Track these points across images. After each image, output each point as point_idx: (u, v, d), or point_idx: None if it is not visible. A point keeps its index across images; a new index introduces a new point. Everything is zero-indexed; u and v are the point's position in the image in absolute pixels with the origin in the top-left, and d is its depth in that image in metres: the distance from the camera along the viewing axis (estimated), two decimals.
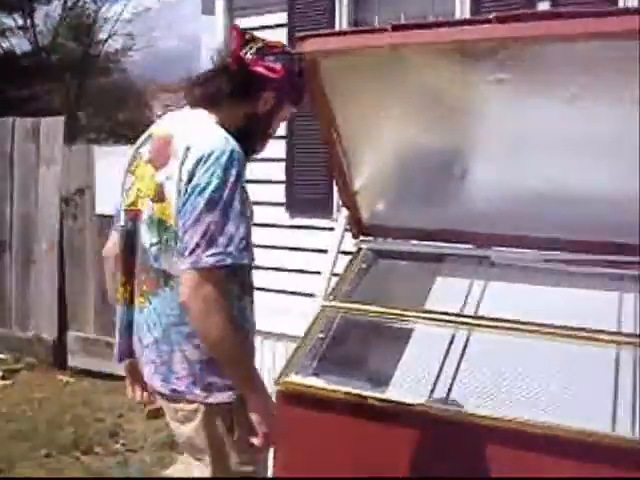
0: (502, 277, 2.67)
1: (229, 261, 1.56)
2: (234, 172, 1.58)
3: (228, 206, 1.56)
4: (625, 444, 1.90)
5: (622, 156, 2.46)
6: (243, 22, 3.99)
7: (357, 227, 3.03)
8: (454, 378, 2.24)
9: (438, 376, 2.26)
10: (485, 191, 2.75)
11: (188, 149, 1.63)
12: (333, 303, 2.67)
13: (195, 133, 1.68)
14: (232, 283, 1.69)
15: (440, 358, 2.34)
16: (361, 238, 3.04)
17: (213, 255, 1.55)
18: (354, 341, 2.53)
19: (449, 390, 2.20)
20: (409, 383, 2.26)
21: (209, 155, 1.59)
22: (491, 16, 2.15)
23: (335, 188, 3.78)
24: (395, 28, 2.30)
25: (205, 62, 4.39)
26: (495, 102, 2.46)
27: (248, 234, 1.60)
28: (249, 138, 1.81)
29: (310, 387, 2.28)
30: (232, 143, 1.64)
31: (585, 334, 2.27)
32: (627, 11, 2.02)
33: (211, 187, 1.56)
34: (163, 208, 1.66)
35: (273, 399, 1.80)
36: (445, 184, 2.84)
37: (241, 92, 1.76)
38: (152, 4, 19.59)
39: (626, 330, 2.31)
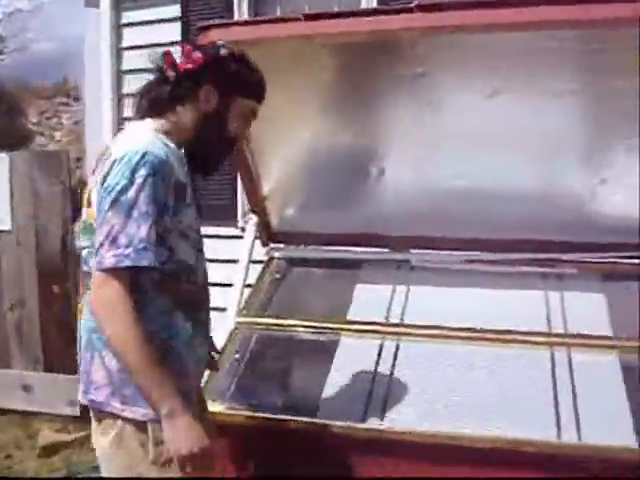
0: (424, 281, 2.54)
1: (127, 263, 1.48)
2: (143, 172, 1.51)
3: (132, 206, 1.49)
4: (574, 451, 1.82)
5: (541, 152, 2.41)
6: (133, 16, 3.68)
7: (267, 234, 2.82)
8: (387, 393, 2.07)
9: (370, 392, 2.08)
10: (401, 191, 2.62)
11: (110, 155, 1.60)
12: (247, 319, 2.44)
13: (125, 141, 1.62)
14: (160, 293, 1.57)
15: (370, 372, 2.16)
16: (271, 246, 2.83)
17: (114, 256, 1.48)
18: (274, 360, 2.31)
19: (384, 407, 2.03)
20: (340, 403, 2.06)
21: (122, 157, 1.54)
22: (412, 4, 2.02)
23: (240, 193, 3.60)
24: (308, 17, 2.11)
25: (90, 62, 4.04)
26: (414, 97, 2.32)
27: (150, 235, 1.49)
28: (207, 144, 1.68)
29: (231, 416, 2.05)
30: (151, 145, 1.55)
31: (518, 337, 2.19)
32: (551, 0, 1.94)
33: (118, 187, 1.51)
34: (91, 212, 1.62)
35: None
36: (360, 185, 2.69)
37: (178, 95, 1.66)
38: (24, 5, 18.29)
39: (556, 330, 2.26)
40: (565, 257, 2.52)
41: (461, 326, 2.26)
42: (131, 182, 1.49)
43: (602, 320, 2.27)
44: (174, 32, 3.77)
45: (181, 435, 1.50)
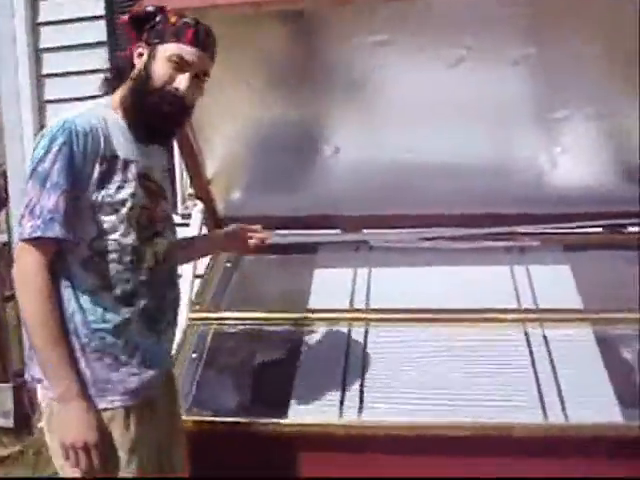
0: (385, 262, 2.43)
1: (37, 233, 1.44)
2: (60, 141, 1.46)
3: (46, 176, 1.46)
4: (563, 432, 1.76)
5: (499, 123, 2.32)
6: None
7: (213, 221, 2.62)
8: (362, 385, 1.95)
9: (343, 385, 1.95)
10: (354, 169, 2.48)
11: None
12: (201, 314, 2.26)
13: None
14: (87, 271, 1.50)
15: (340, 363, 2.03)
16: None
17: (31, 227, 1.45)
18: (235, 357, 2.12)
19: (360, 400, 1.91)
20: (312, 399, 1.92)
21: (45, 129, 1.53)
22: None
23: (179, 176, 3.36)
24: None
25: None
26: (367, 68, 2.18)
27: (58, 206, 1.45)
28: (144, 104, 1.54)
29: (195, 423, 1.87)
30: (79, 116, 1.50)
31: (489, 315, 2.11)
32: None
33: (37, 158, 1.49)
34: None
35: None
36: (310, 164, 2.54)
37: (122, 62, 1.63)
38: None
39: (526, 305, 2.19)
40: (525, 229, 2.47)
41: (430, 307, 2.17)
42: (46, 152, 1.47)
43: (570, 292, 2.22)
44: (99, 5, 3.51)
45: (69, 422, 1.46)
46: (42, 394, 1.52)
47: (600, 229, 2.46)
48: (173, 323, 1.65)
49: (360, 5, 1.96)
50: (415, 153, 2.38)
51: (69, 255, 1.48)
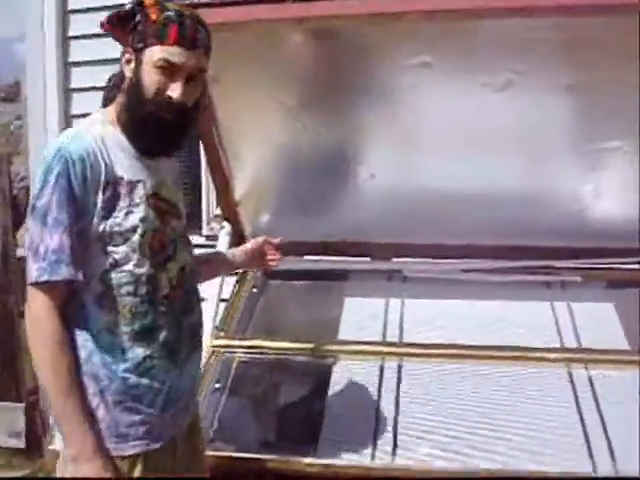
0: (419, 293, 2.33)
1: (45, 277, 1.33)
2: (55, 172, 1.34)
3: (46, 212, 1.34)
4: None
5: (542, 154, 2.23)
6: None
7: (240, 243, 2.53)
8: (395, 424, 1.84)
9: (376, 424, 1.84)
10: (388, 195, 2.40)
11: None
12: (225, 341, 2.16)
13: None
14: (101, 308, 1.37)
15: (373, 400, 1.92)
16: None
17: (37, 269, 1.34)
18: (261, 389, 2.03)
19: (394, 442, 1.79)
20: (342, 438, 1.81)
21: (43, 157, 1.39)
22: None
23: (205, 196, 3.28)
24: None
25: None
26: (407, 90, 2.10)
27: (63, 245, 1.33)
28: (137, 114, 1.39)
29: (218, 458, 1.76)
30: (72, 139, 1.37)
31: (532, 354, 2.00)
32: None
33: (35, 192, 1.37)
34: None
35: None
36: (342, 188, 2.45)
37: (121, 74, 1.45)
38: None
39: (569, 344, 2.08)
40: (566, 264, 2.37)
41: (468, 344, 2.06)
42: (44, 186, 1.34)
43: (615, 332, 2.11)
44: None
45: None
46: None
47: None
48: (196, 351, 1.51)
49: (405, 24, 1.89)
50: (453, 181, 2.28)
51: (82, 293, 1.36)
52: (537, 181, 2.30)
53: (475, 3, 1.78)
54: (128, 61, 1.40)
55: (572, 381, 1.94)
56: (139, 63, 1.38)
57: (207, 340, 2.15)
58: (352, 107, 2.18)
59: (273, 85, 2.16)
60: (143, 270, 1.38)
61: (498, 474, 1.67)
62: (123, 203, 1.37)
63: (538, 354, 2.01)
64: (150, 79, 1.36)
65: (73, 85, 3.53)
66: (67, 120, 3.48)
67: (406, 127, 2.23)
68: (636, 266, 2.31)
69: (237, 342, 2.15)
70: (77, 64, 3.52)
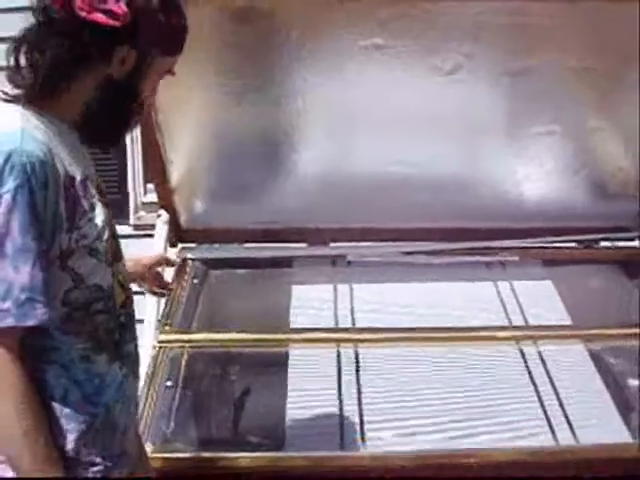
0: (365, 277, 2.32)
1: (9, 322, 1.06)
2: (11, 185, 1.05)
3: (3, 239, 1.06)
4: (577, 455, 1.69)
5: (478, 136, 2.27)
6: None
7: (176, 233, 2.41)
8: (360, 411, 1.82)
9: (341, 412, 1.81)
10: (327, 180, 2.35)
11: None
12: (172, 336, 2.04)
13: None
14: (71, 334, 1.15)
15: (333, 388, 1.88)
16: (182, 246, 2.44)
17: None
18: (216, 384, 1.94)
19: (361, 429, 1.77)
20: (309, 430, 1.76)
21: None
22: None
23: (131, 184, 3.09)
24: None
25: None
26: (354, 73, 2.06)
27: (35, 280, 1.07)
28: (111, 114, 1.20)
29: (178, 460, 1.65)
30: (20, 138, 1.08)
31: (483, 334, 2.03)
32: None
33: None
34: None
35: None
36: (281, 174, 2.38)
37: (78, 57, 1.14)
38: None
39: (516, 322, 2.14)
40: (504, 244, 2.43)
41: (420, 326, 2.07)
42: None
43: (557, 307, 2.20)
44: None
45: None
46: None
47: (574, 244, 2.47)
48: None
49: (359, 5, 1.85)
50: (393, 164, 2.28)
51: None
52: (475, 164, 2.34)
53: None
54: (123, 59, 1.17)
55: (524, 357, 2.00)
56: (140, 67, 1.19)
57: (152, 335, 2.05)
58: (294, 90, 2.10)
59: (211, 68, 2.05)
60: (108, 281, 1.20)
61: (462, 453, 1.70)
62: (82, 208, 1.14)
63: (489, 333, 2.05)
64: (147, 86, 1.23)
65: None
66: None
67: (348, 109, 2.18)
68: (569, 244, 2.42)
69: (184, 336, 2.03)
70: None
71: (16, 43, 1.14)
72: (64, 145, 1.15)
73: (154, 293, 1.95)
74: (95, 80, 1.18)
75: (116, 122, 1.23)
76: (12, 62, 1.14)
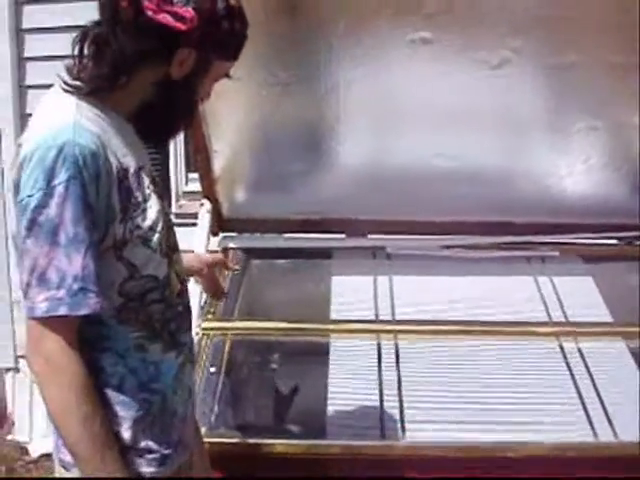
0: (405, 270, 2.33)
1: (63, 310, 1.08)
2: (64, 177, 1.07)
3: (56, 229, 1.08)
4: (615, 452, 1.70)
5: (524, 130, 2.26)
6: None
7: (218, 222, 2.45)
8: (400, 403, 1.84)
9: (381, 403, 1.84)
10: (368, 172, 2.37)
11: (20, 146, 1.14)
12: (215, 324, 2.09)
13: (36, 121, 1.16)
14: (127, 324, 1.18)
15: (374, 379, 1.91)
16: (223, 235, 2.48)
17: (47, 300, 1.08)
18: (259, 371, 1.99)
19: (401, 420, 1.80)
20: (349, 419, 1.80)
21: (32, 155, 1.09)
22: None
23: (174, 171, 3.14)
24: None
25: None
26: (401, 66, 2.07)
27: (87, 270, 1.09)
28: (167, 113, 1.23)
29: (223, 445, 1.69)
30: (72, 130, 1.09)
31: (523, 329, 2.05)
32: None
33: (33, 202, 1.08)
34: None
35: None
36: (321, 165, 2.41)
37: (141, 54, 1.16)
38: None
39: (556, 317, 2.14)
40: (545, 239, 2.43)
41: (460, 319, 2.09)
42: (49, 193, 1.07)
43: (598, 304, 2.19)
44: None
45: None
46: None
47: (615, 241, 2.46)
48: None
49: None
50: (435, 157, 2.29)
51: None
52: (518, 158, 2.34)
53: None
54: (183, 61, 1.18)
55: (564, 353, 2.00)
56: (199, 70, 1.21)
57: (195, 322, 2.09)
58: (339, 82, 2.12)
59: (257, 59, 2.07)
60: (164, 271, 1.22)
61: (500, 446, 1.72)
62: (135, 199, 1.16)
63: (529, 328, 2.07)
64: (204, 89, 1.26)
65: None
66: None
67: (392, 102, 2.19)
68: (610, 241, 2.41)
69: (227, 324, 2.08)
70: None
71: (82, 34, 1.16)
72: (118, 136, 1.17)
73: (208, 293, 1.91)
74: (154, 78, 1.20)
75: (169, 120, 1.27)
76: (76, 52, 1.16)
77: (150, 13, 1.14)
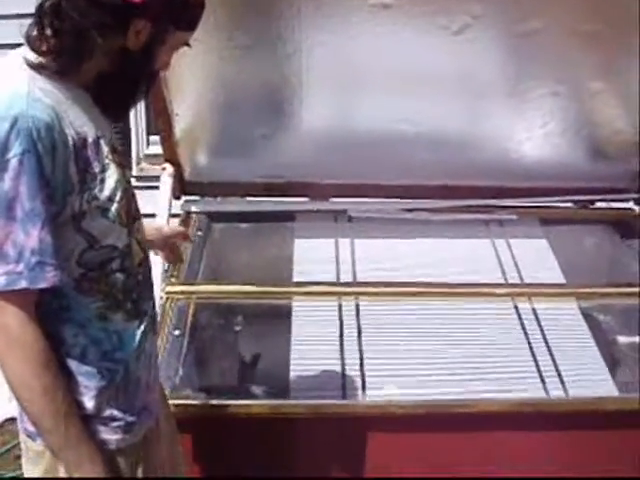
0: (366, 233, 2.37)
1: (23, 284, 1.09)
2: (18, 150, 1.06)
3: (12, 203, 1.07)
4: (567, 407, 1.79)
5: (483, 96, 2.29)
6: None
7: (179, 185, 2.44)
8: (361, 363, 1.89)
9: (343, 364, 1.89)
10: (331, 136, 2.38)
11: None
12: (178, 287, 2.10)
13: None
14: (86, 294, 1.18)
15: (335, 340, 1.95)
16: (185, 198, 2.47)
17: (5, 274, 1.09)
18: (223, 334, 2.01)
19: (362, 379, 1.85)
20: (310, 379, 1.84)
21: None
22: None
23: (135, 134, 3.10)
24: None
25: None
26: (361, 30, 2.05)
27: (44, 243, 1.09)
28: (125, 84, 1.23)
29: (188, 407, 1.73)
30: (25, 101, 1.08)
31: (481, 290, 2.11)
32: None
33: None
34: None
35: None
36: (284, 128, 2.40)
37: (97, 25, 1.13)
38: None
39: (512, 279, 2.21)
40: (503, 203, 2.48)
41: (420, 281, 2.14)
42: (3, 167, 1.06)
43: (552, 266, 2.27)
44: None
45: None
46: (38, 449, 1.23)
47: (571, 204, 2.53)
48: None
49: None
50: (395, 122, 2.30)
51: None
52: (478, 124, 2.37)
53: None
54: (139, 31, 1.16)
55: (518, 313, 2.07)
56: (155, 41, 1.19)
57: (159, 287, 2.10)
58: (301, 46, 2.09)
59: (217, 22, 2.03)
60: (124, 240, 1.22)
61: (457, 403, 1.79)
62: (94, 169, 1.15)
63: (485, 289, 2.13)
64: (162, 59, 1.24)
65: None
66: None
67: (354, 67, 2.18)
68: (566, 204, 2.48)
69: (191, 287, 2.10)
70: None
71: (39, 12, 1.13)
72: (76, 107, 1.15)
73: (168, 261, 1.90)
74: (110, 50, 1.17)
75: (127, 91, 1.26)
76: (35, 30, 1.14)
77: None
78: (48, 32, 1.13)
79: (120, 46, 1.18)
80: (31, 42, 1.14)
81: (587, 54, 2.16)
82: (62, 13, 1.12)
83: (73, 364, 1.19)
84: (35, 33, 1.14)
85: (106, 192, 1.17)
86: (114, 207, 1.18)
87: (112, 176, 1.18)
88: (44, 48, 1.13)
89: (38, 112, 1.07)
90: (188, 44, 1.29)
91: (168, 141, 2.29)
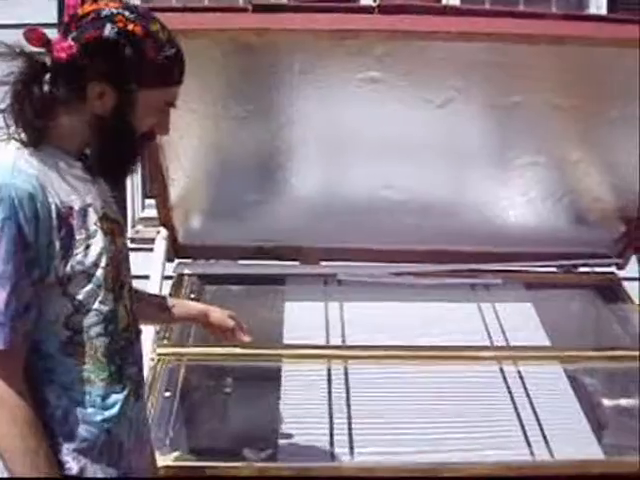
0: (355, 296, 2.41)
1: None
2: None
3: None
4: (553, 470, 1.81)
5: (467, 163, 2.39)
6: None
7: (173, 248, 2.50)
8: (350, 425, 1.91)
9: (331, 427, 1.91)
10: (321, 202, 2.46)
11: None
12: (170, 349, 2.13)
13: None
14: (69, 357, 1.21)
15: (324, 402, 1.98)
16: (178, 261, 2.52)
17: None
18: (213, 396, 2.03)
19: (350, 441, 1.86)
20: (300, 442, 1.86)
21: None
22: (374, 4, 1.86)
23: (130, 197, 3.18)
24: (257, 9, 1.87)
25: None
26: (351, 103, 2.17)
27: (9, 306, 1.13)
28: (109, 151, 1.25)
29: (180, 469, 1.74)
30: (10, 173, 1.14)
31: (468, 353, 2.15)
32: (527, 14, 1.90)
33: None
34: None
35: None
36: (275, 195, 2.49)
37: (57, 95, 1.20)
38: None
39: (498, 342, 2.26)
40: (488, 267, 2.55)
41: (408, 344, 2.17)
42: None
43: (537, 329, 2.31)
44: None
45: None
46: None
47: (555, 269, 2.59)
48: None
49: (359, 42, 1.95)
50: (387, 190, 2.39)
51: (44, 343, 1.20)
52: (463, 191, 2.46)
53: (423, 26, 1.89)
54: (100, 95, 1.19)
55: (504, 376, 2.11)
56: (124, 102, 1.21)
57: (151, 348, 2.13)
58: (293, 117, 2.21)
59: (214, 93, 2.15)
60: (109, 305, 1.25)
61: (453, 468, 1.79)
62: (79, 236, 1.20)
63: (472, 353, 2.16)
64: (143, 122, 1.24)
65: None
66: None
67: (344, 137, 2.29)
68: (550, 269, 2.54)
69: (182, 349, 2.13)
70: None
71: (12, 85, 1.19)
72: (62, 176, 1.20)
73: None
74: (82, 116, 1.21)
75: (116, 159, 1.27)
76: (8, 103, 1.19)
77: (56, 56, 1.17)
78: (15, 106, 1.19)
79: (93, 113, 1.22)
80: (6, 116, 1.20)
81: (566, 126, 2.29)
82: (24, 86, 1.18)
83: (56, 425, 1.20)
84: (8, 106, 1.20)
85: (90, 258, 1.21)
86: (99, 272, 1.22)
87: (98, 243, 1.22)
88: (15, 121, 1.19)
89: (20, 182, 1.13)
90: (172, 104, 1.27)
91: (163, 206, 2.36)
